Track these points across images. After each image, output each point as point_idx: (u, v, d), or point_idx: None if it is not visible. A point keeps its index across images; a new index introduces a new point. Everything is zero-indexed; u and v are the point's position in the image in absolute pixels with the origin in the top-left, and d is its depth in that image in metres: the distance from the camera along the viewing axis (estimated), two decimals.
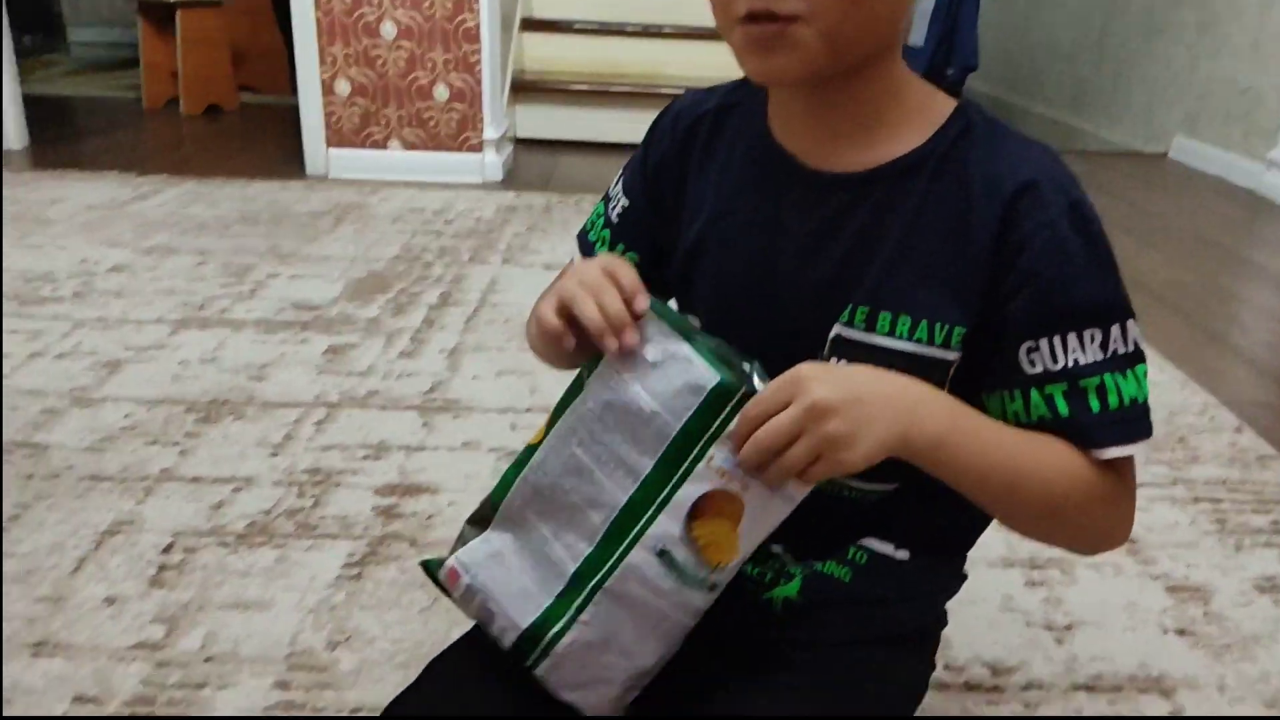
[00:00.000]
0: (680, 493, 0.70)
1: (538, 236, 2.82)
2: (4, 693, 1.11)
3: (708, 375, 0.70)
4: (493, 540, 0.78)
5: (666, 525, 0.71)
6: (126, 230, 2.74)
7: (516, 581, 0.76)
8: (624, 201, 0.89)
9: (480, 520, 0.79)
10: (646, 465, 0.71)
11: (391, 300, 2.30)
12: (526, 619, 0.75)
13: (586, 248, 0.90)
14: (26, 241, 2.62)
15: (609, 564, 0.72)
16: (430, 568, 0.81)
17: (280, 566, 1.33)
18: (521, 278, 2.47)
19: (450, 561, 0.79)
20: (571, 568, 0.74)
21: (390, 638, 1.20)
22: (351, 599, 1.27)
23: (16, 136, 3.58)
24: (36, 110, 3.75)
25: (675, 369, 0.71)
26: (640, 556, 0.71)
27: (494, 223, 2.95)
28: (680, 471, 0.70)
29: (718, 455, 0.70)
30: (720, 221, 0.83)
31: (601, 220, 0.90)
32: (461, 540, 0.80)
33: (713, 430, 0.70)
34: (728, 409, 0.69)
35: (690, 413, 0.70)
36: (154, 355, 1.97)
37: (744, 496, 0.71)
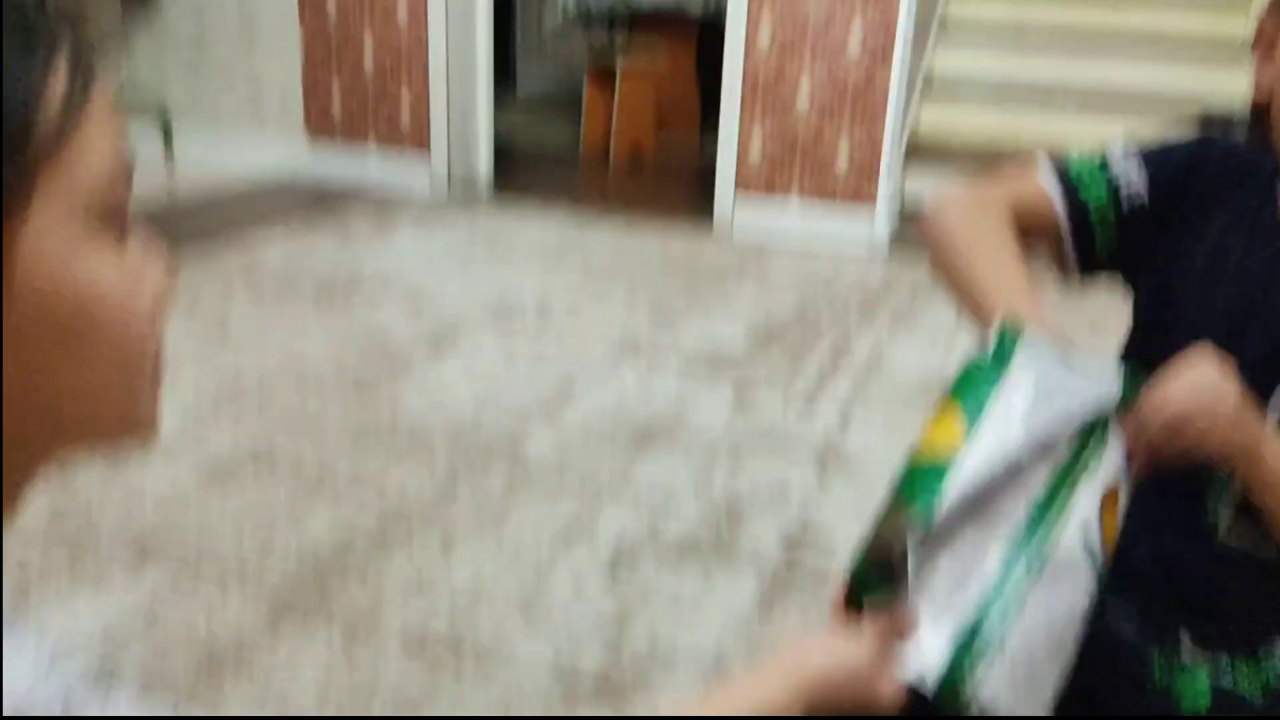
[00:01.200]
0: (1098, 475, 0.76)
1: (921, 304, 2.95)
2: None
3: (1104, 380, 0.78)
4: (920, 556, 0.77)
5: (1087, 504, 0.76)
6: (575, 264, 3.22)
7: (941, 587, 0.76)
8: (1142, 199, 0.93)
9: (886, 553, 0.77)
10: (1064, 455, 0.77)
11: (788, 354, 2.54)
12: (955, 628, 0.76)
13: (1069, 195, 0.93)
14: (500, 264, 3.18)
15: (1040, 547, 0.75)
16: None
17: (706, 586, 1.59)
18: (906, 344, 2.61)
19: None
20: (996, 560, 0.75)
21: None
22: (764, 626, 1.50)
23: (485, 169, 4.24)
24: (495, 145, 4.45)
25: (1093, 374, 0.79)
26: (1068, 536, 0.75)
27: (879, 288, 3.11)
28: (1078, 471, 0.77)
29: (1114, 446, 0.77)
30: (1218, 259, 0.89)
31: (1105, 192, 0.94)
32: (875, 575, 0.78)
33: (1117, 418, 0.77)
34: (1131, 398, 0.77)
35: (1093, 404, 0.77)
36: (600, 382, 2.35)
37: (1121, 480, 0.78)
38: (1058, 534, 0.76)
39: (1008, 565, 0.76)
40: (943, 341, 2.65)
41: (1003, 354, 0.80)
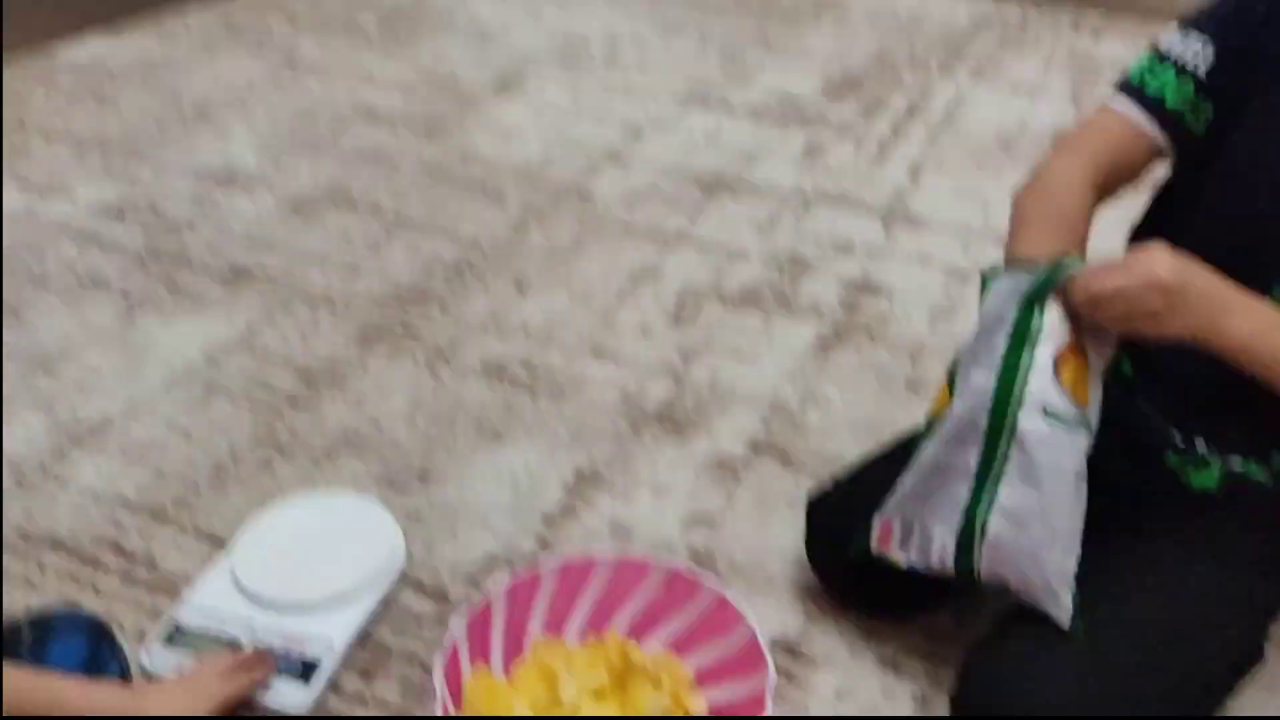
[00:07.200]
0: (1039, 354, 0.87)
1: (1010, 53, 2.82)
2: (569, 382, 1.56)
3: (1040, 270, 0.87)
4: (900, 486, 0.99)
5: (1039, 384, 0.87)
6: (642, 2, 3.10)
7: (931, 504, 0.95)
8: (1210, 61, 0.96)
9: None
10: (1000, 346, 0.88)
11: (863, 103, 2.48)
12: (955, 523, 0.94)
13: (1143, 99, 0.99)
14: (566, 1, 3.07)
15: (1002, 442, 0.89)
16: (860, 542, 1.02)
17: (765, 332, 1.66)
18: (987, 100, 2.53)
19: (878, 517, 1.01)
20: (973, 464, 0.91)
21: (848, 408, 1.50)
22: (820, 370, 1.58)
23: None
24: None
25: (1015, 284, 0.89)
26: (1028, 420, 0.88)
27: (966, 30, 2.97)
28: (1029, 337, 0.87)
29: (1052, 312, 0.87)
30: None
31: (1172, 75, 0.97)
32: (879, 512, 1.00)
33: (1048, 295, 0.86)
34: (1061, 279, 0.86)
35: (1027, 288, 0.87)
36: (668, 128, 2.33)
37: (1081, 342, 0.88)
38: (1021, 423, 0.88)
39: (981, 470, 0.92)
40: (1025, 91, 2.56)
41: (982, 298, 0.91)
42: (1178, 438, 0.98)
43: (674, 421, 1.48)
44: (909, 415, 1.47)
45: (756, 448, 1.43)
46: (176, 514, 1.32)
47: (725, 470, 1.40)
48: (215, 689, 1.00)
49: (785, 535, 1.28)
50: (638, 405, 1.51)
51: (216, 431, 1.45)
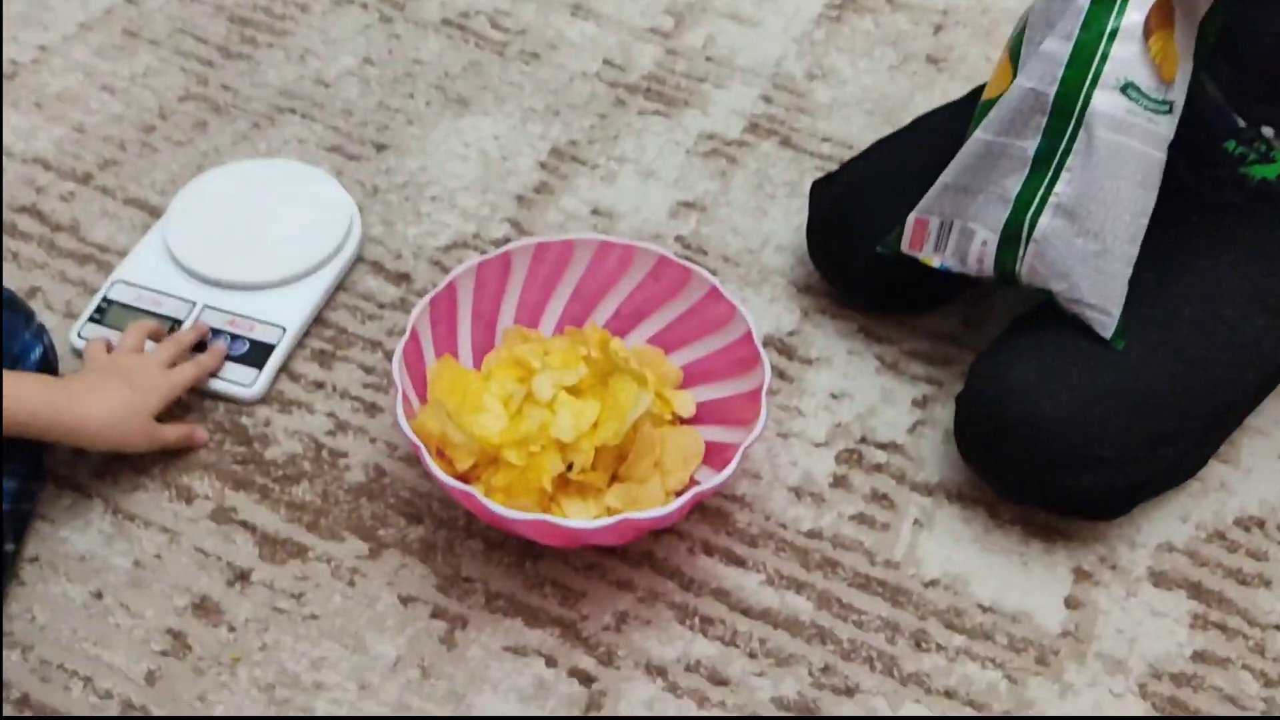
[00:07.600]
0: (1129, 15, 0.73)
1: None
2: (545, 45, 1.36)
3: None
4: (941, 180, 0.85)
5: (1125, 53, 0.73)
6: None
7: (977, 199, 0.82)
8: None
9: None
10: (1082, 5, 0.73)
11: None
12: (1001, 218, 0.81)
13: None
14: None
15: (1071, 124, 0.75)
16: (891, 244, 0.90)
17: None
18: None
19: (912, 216, 0.87)
20: (1030, 151, 0.77)
21: (861, 84, 1.34)
22: (830, 39, 1.39)
23: None
24: None
25: None
26: (1104, 99, 0.74)
27: None
28: None
29: None
30: None
31: None
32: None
33: None
34: None
35: None
36: None
37: (1170, 4, 0.73)
38: (1096, 102, 0.75)
39: (1040, 156, 0.78)
40: None
41: None
42: (1241, 123, 0.86)
43: (663, 94, 1.31)
44: (928, 94, 1.31)
45: (755, 127, 1.28)
46: (102, 177, 1.17)
47: (720, 151, 1.25)
48: (161, 382, 0.90)
49: (784, 226, 1.16)
50: (622, 73, 1.33)
51: (141, 84, 1.26)
